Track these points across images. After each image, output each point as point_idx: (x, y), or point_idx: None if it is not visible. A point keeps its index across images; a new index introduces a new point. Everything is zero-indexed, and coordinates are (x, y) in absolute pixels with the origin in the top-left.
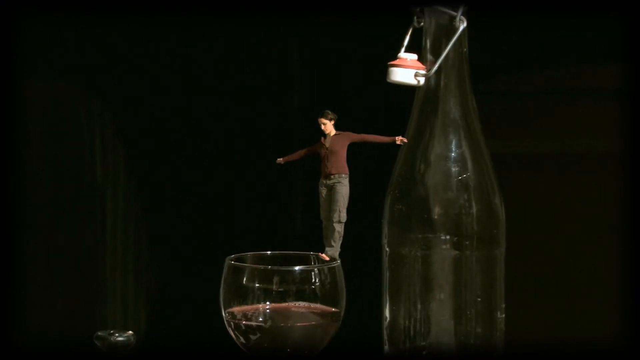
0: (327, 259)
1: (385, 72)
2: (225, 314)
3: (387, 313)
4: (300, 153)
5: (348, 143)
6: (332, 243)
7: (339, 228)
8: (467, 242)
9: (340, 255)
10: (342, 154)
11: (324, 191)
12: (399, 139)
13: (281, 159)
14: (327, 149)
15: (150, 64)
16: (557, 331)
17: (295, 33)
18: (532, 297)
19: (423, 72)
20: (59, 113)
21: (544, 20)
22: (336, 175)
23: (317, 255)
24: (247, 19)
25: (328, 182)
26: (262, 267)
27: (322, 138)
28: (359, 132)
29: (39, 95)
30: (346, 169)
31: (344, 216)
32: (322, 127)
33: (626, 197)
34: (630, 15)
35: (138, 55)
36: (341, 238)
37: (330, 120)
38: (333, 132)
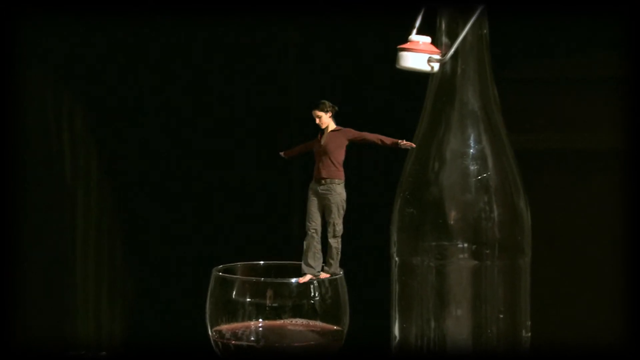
0: (327, 276)
1: (394, 57)
2: (212, 332)
3: (396, 331)
4: (298, 149)
5: (347, 142)
6: (330, 261)
7: (335, 243)
8: (488, 251)
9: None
10: (338, 154)
11: (313, 198)
12: (403, 143)
13: (282, 152)
14: (321, 147)
15: (133, 57)
16: (589, 348)
17: (293, 19)
18: (560, 312)
19: (437, 57)
20: (23, 106)
21: None
22: (328, 181)
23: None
24: (234, 11)
25: (319, 188)
26: (253, 279)
27: (320, 134)
28: (365, 128)
29: (2, 87)
30: (341, 174)
31: (339, 230)
32: (317, 120)
33: None
34: None
35: (116, 48)
36: (339, 254)
37: (326, 112)
38: (331, 126)
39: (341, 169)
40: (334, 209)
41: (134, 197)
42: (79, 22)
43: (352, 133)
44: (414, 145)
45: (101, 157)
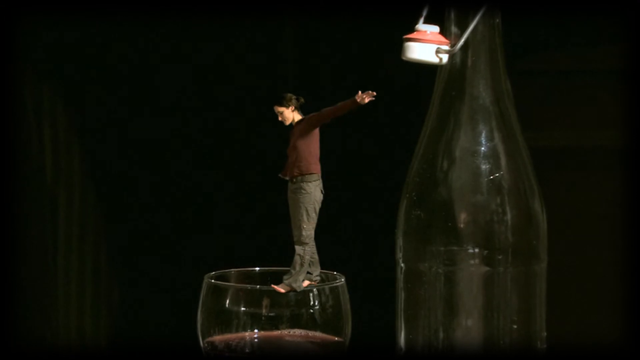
0: (282, 291)
1: (400, 48)
2: (203, 344)
3: (401, 343)
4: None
5: (312, 129)
6: (291, 270)
7: (300, 251)
8: (500, 256)
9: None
10: (307, 147)
11: (290, 200)
12: (360, 97)
13: (281, 174)
14: (290, 144)
15: (120, 57)
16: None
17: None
18: (578, 321)
19: (446, 47)
20: (4, 104)
21: None
22: (298, 179)
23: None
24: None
25: (291, 187)
26: (248, 286)
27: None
28: (368, 124)
29: None
30: (312, 167)
31: (307, 235)
32: (279, 117)
33: None
34: None
35: (101, 48)
36: (304, 265)
37: (288, 107)
38: (298, 119)
39: (313, 161)
40: (302, 211)
41: (119, 201)
42: (63, 20)
43: (313, 118)
44: (374, 94)
45: (84, 157)
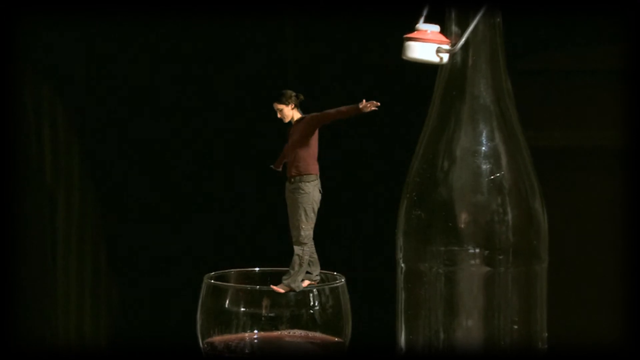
0: (281, 291)
1: (400, 48)
2: (203, 344)
3: (402, 343)
4: (282, 157)
5: (312, 129)
6: (290, 270)
7: (299, 251)
8: (501, 257)
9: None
10: (306, 147)
11: (288, 200)
12: (364, 105)
13: (272, 165)
14: (289, 142)
15: (117, 57)
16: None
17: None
18: (578, 321)
19: (447, 47)
20: (2, 104)
21: None
22: (297, 179)
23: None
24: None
25: (289, 186)
26: (248, 287)
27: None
28: (368, 124)
29: None
30: (311, 168)
31: (306, 235)
32: (278, 114)
33: None
34: None
35: (98, 48)
36: (302, 265)
37: (288, 104)
38: (297, 117)
39: (312, 162)
40: (301, 211)
41: (120, 199)
42: (63, 20)
43: (314, 118)
44: (378, 104)
45: (84, 156)
